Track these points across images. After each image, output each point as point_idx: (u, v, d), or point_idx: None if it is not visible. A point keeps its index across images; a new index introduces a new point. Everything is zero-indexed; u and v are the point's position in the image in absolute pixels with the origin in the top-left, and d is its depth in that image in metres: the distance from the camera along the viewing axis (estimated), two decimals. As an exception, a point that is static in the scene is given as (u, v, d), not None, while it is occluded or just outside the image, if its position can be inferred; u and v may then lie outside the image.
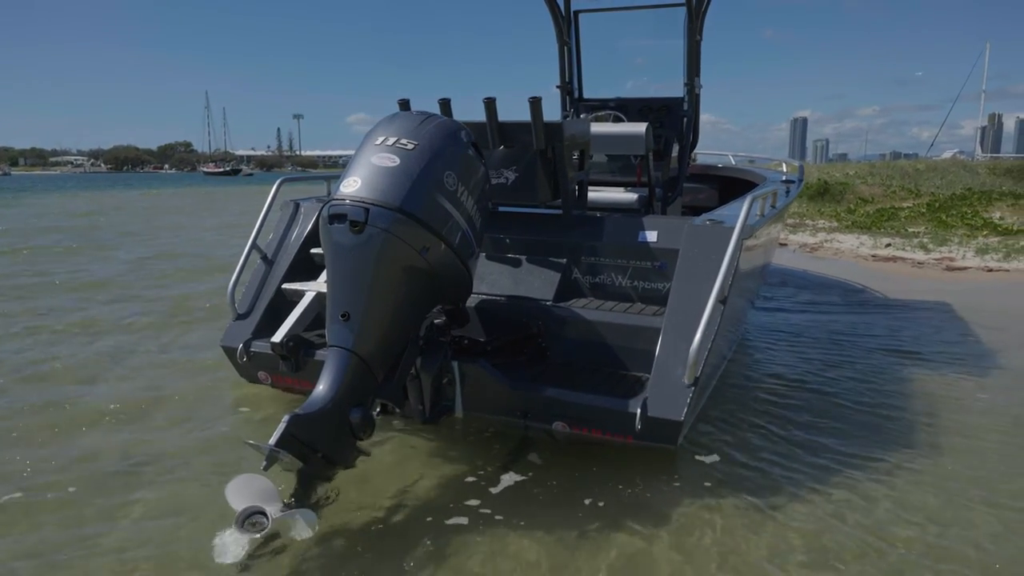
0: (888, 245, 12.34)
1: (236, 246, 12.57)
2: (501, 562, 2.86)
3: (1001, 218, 14.16)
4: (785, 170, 8.50)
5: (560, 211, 4.46)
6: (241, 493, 2.83)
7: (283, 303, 4.46)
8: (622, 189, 5.84)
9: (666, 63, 7.10)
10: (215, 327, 6.59)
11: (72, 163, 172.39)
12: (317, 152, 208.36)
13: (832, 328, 6.64)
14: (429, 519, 3.19)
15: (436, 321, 3.57)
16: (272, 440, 2.82)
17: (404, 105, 4.22)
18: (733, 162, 9.36)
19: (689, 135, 6.60)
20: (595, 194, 5.19)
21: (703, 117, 6.74)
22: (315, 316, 4.28)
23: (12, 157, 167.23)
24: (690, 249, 3.77)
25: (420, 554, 2.91)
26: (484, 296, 4.16)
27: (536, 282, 4.23)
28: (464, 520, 3.17)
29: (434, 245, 3.17)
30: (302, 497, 2.97)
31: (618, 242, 4.17)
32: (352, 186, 3.13)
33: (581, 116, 6.77)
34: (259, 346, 4.33)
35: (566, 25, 6.90)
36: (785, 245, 12.36)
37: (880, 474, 3.63)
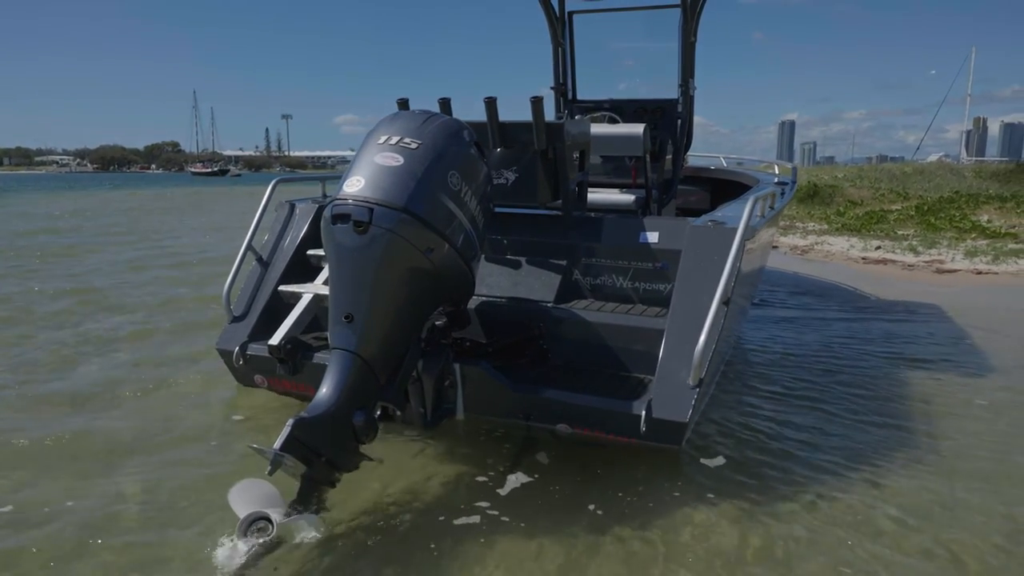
0: (878, 247, 12.42)
1: (217, 249, 12.48)
2: (509, 567, 2.83)
3: (989, 221, 14.29)
4: (777, 172, 8.52)
5: (559, 212, 4.44)
6: (244, 499, 2.78)
7: (280, 305, 4.41)
8: (617, 191, 5.83)
9: (660, 65, 7.12)
10: (206, 331, 6.53)
11: (58, 163, 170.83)
12: (306, 153, 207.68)
13: (827, 331, 6.65)
14: (436, 522, 3.15)
15: (437, 323, 3.54)
16: (277, 444, 2.78)
17: (403, 104, 4.19)
18: (725, 164, 9.38)
19: (683, 137, 6.61)
20: (591, 195, 5.18)
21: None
22: (312, 318, 4.24)
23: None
24: (692, 250, 3.76)
25: (427, 558, 2.88)
26: (484, 298, 4.13)
27: (537, 284, 4.21)
28: (471, 521, 3.14)
29: (438, 246, 3.14)
30: (305, 502, 2.93)
31: (619, 243, 4.16)
32: (355, 186, 3.09)
33: (576, 117, 6.76)
34: (256, 349, 4.28)
35: (560, 26, 6.89)
36: (776, 247, 12.40)
37: (881, 478, 3.63)
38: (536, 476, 3.58)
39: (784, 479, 3.59)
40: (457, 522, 3.14)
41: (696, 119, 6.96)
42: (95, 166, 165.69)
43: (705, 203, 8.30)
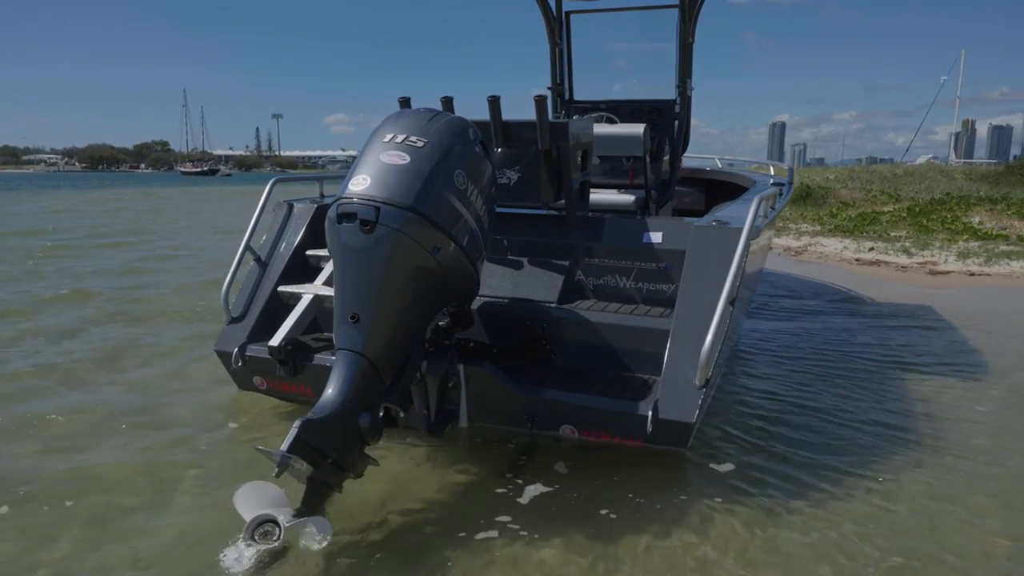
0: (871, 249, 12.48)
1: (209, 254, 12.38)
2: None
3: (980, 223, 14.37)
4: (773, 173, 8.52)
5: (559, 212, 4.41)
6: (250, 501, 2.73)
7: (279, 306, 4.37)
8: (615, 191, 5.81)
9: (657, 66, 7.11)
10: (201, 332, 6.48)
11: (46, 161, 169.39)
12: (297, 152, 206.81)
13: (824, 334, 6.65)
14: (452, 530, 3.08)
15: (440, 323, 3.51)
16: (284, 446, 2.74)
17: (405, 103, 4.16)
18: (720, 165, 9.39)
19: (681, 138, 6.60)
20: (591, 196, 5.17)
21: (685, 121, 6.73)
22: (313, 319, 4.20)
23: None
24: (697, 250, 3.75)
25: (442, 567, 2.83)
26: (487, 298, 4.10)
27: (539, 284, 4.19)
28: (490, 535, 3.05)
29: (445, 245, 3.11)
30: (312, 506, 2.88)
31: (622, 244, 4.14)
32: (361, 184, 3.05)
33: (574, 118, 6.74)
34: (255, 350, 4.24)
35: (557, 26, 6.86)
36: (771, 248, 12.43)
37: (882, 479, 3.63)
38: (556, 487, 3.48)
39: (792, 484, 3.55)
40: (478, 535, 3.04)
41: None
42: (84, 165, 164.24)
43: (700, 204, 8.30)
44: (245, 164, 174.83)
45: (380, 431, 3.08)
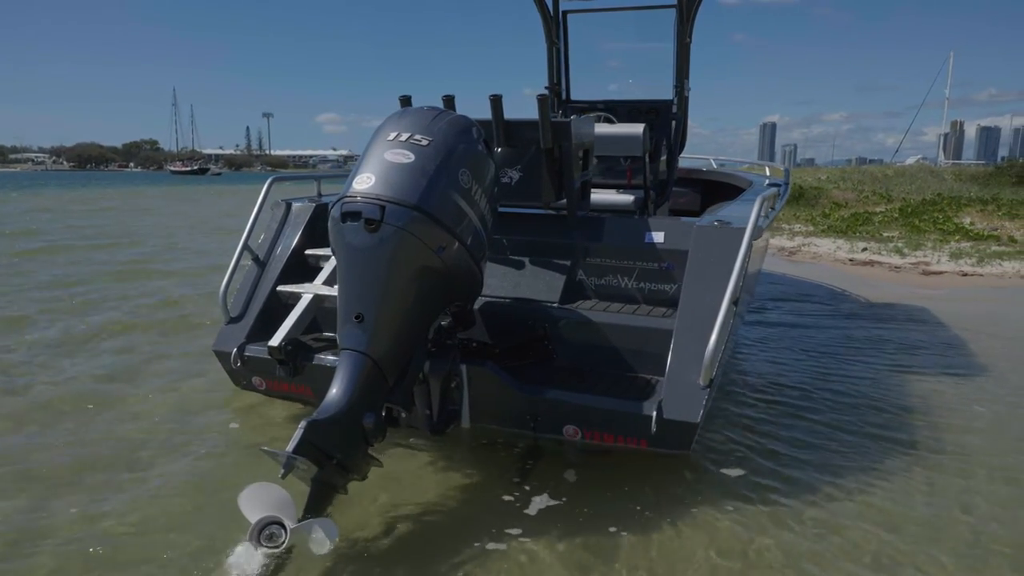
0: (864, 249, 12.54)
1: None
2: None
3: (972, 223, 14.48)
4: (768, 174, 8.53)
5: (559, 211, 4.40)
6: (255, 503, 2.69)
7: (277, 306, 4.33)
8: (614, 191, 5.80)
9: (654, 66, 7.10)
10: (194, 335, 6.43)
11: (33, 160, 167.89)
12: (287, 152, 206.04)
13: (821, 336, 6.67)
14: (459, 538, 3.04)
15: (442, 323, 3.48)
16: (290, 447, 2.71)
17: (406, 101, 4.13)
18: (715, 166, 9.39)
19: (678, 138, 6.59)
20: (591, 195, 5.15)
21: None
22: (313, 319, 4.16)
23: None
24: (700, 250, 3.74)
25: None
26: (488, 298, 4.08)
27: (541, 284, 4.17)
28: (501, 546, 2.98)
29: (449, 244, 3.09)
30: (317, 508, 2.85)
31: (624, 243, 4.13)
32: (366, 183, 3.02)
33: (571, 117, 6.72)
34: (254, 350, 4.20)
35: (555, 25, 6.85)
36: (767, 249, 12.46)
37: (885, 480, 3.64)
38: (564, 499, 3.40)
39: (803, 490, 3.51)
40: (488, 547, 2.98)
41: (683, 120, 6.94)
42: (71, 164, 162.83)
43: (696, 204, 8.29)
44: (235, 163, 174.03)
45: (384, 432, 3.05)
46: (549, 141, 4.04)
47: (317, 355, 3.98)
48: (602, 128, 5.54)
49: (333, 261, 4.34)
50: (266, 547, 2.68)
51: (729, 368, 5.40)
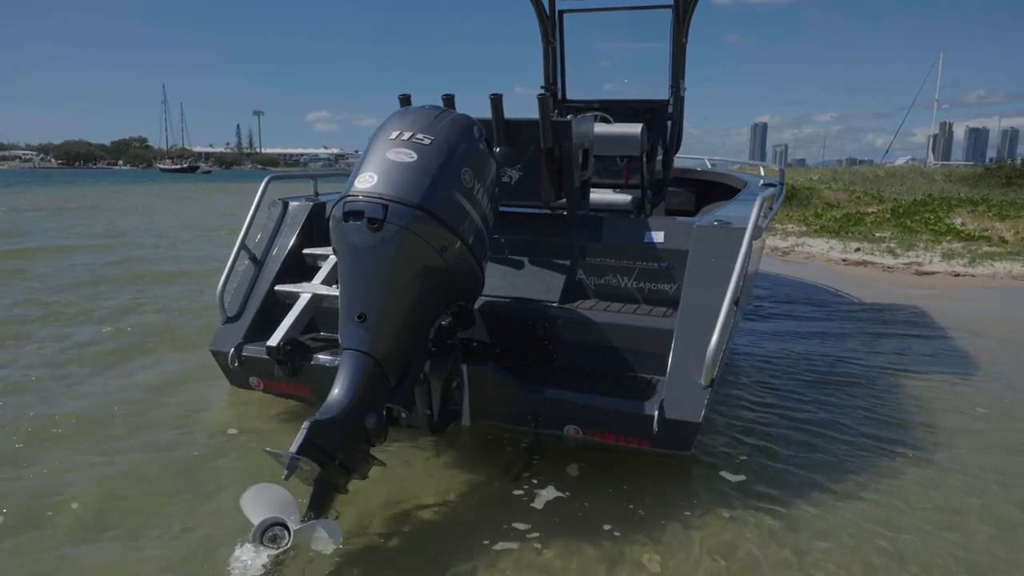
0: (857, 250, 12.60)
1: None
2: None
3: (963, 224, 14.57)
4: (763, 174, 8.55)
5: (556, 211, 4.38)
6: (258, 504, 2.66)
7: (274, 305, 4.31)
8: (611, 191, 5.80)
9: (649, 66, 7.10)
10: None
11: (21, 158, 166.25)
12: (278, 150, 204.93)
13: (816, 336, 6.68)
14: (466, 536, 3.02)
15: (443, 323, 3.47)
16: (293, 448, 2.68)
17: (406, 100, 4.11)
18: (709, 166, 9.40)
19: (674, 138, 6.60)
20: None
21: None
22: (311, 319, 4.14)
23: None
24: (700, 250, 3.74)
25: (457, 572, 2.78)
26: (488, 298, 4.06)
27: (540, 284, 4.16)
28: (512, 545, 2.96)
29: (452, 244, 3.07)
30: (319, 508, 2.82)
31: (623, 243, 4.13)
32: (368, 182, 3.00)
33: (568, 117, 6.72)
34: (251, 350, 4.17)
35: (551, 25, 6.84)
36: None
37: (885, 481, 3.64)
38: (567, 494, 3.39)
39: (805, 491, 3.49)
40: (498, 547, 2.95)
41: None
42: (60, 162, 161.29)
43: (690, 204, 8.30)
44: (225, 161, 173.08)
45: (386, 432, 3.03)
46: (549, 140, 4.03)
47: (315, 355, 3.96)
48: (600, 128, 5.53)
49: (331, 260, 4.33)
50: (269, 548, 2.66)
51: (727, 369, 5.41)
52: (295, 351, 3.84)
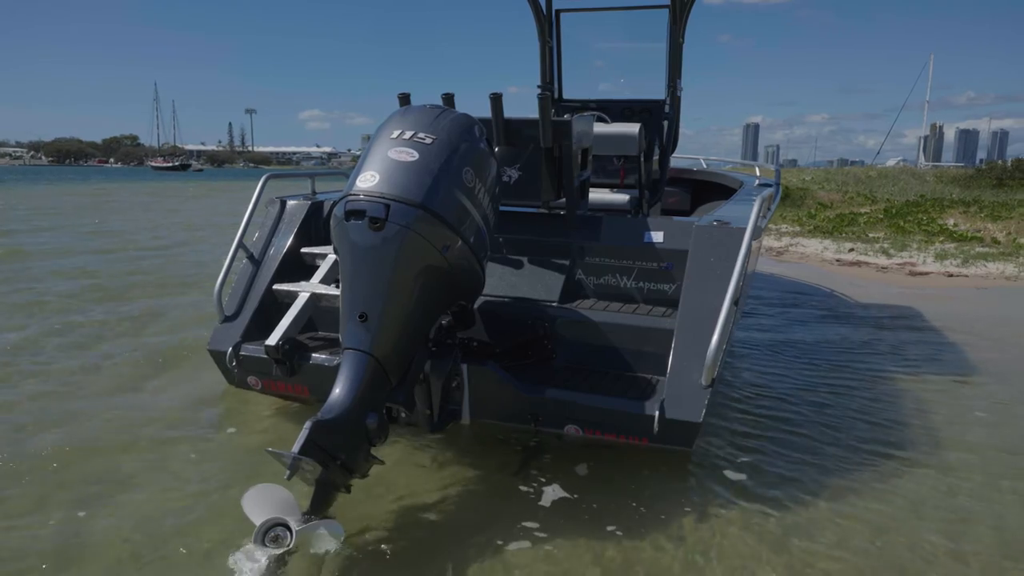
0: (851, 250, 12.65)
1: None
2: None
3: (955, 225, 14.65)
4: (759, 174, 8.57)
5: (555, 211, 4.38)
6: (259, 505, 2.65)
7: (272, 305, 4.29)
8: (607, 191, 5.80)
9: (646, 66, 7.11)
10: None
11: (11, 155, 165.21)
12: (271, 148, 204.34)
13: (812, 336, 6.70)
14: (470, 535, 3.01)
15: (443, 322, 3.46)
16: (295, 448, 2.67)
17: (405, 99, 4.10)
18: (705, 166, 9.42)
19: (670, 138, 6.61)
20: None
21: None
22: (309, 318, 4.12)
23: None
24: (700, 250, 3.74)
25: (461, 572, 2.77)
26: (488, 298, 4.06)
27: (540, 283, 4.15)
28: (523, 544, 2.96)
29: (453, 243, 3.06)
30: (320, 509, 2.81)
31: (623, 243, 4.12)
32: (369, 181, 2.99)
33: (565, 116, 6.72)
34: (249, 350, 4.15)
35: (547, 24, 6.83)
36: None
37: (886, 481, 3.65)
38: (575, 496, 3.37)
39: (806, 492, 3.49)
40: (509, 548, 2.94)
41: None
42: (50, 159, 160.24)
43: (686, 204, 8.31)
44: (217, 159, 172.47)
45: (387, 432, 3.02)
46: (549, 140, 4.03)
47: (314, 354, 3.94)
48: (597, 127, 5.53)
49: (329, 259, 4.31)
50: (272, 549, 2.64)
51: (725, 369, 5.42)
52: (294, 350, 3.83)
